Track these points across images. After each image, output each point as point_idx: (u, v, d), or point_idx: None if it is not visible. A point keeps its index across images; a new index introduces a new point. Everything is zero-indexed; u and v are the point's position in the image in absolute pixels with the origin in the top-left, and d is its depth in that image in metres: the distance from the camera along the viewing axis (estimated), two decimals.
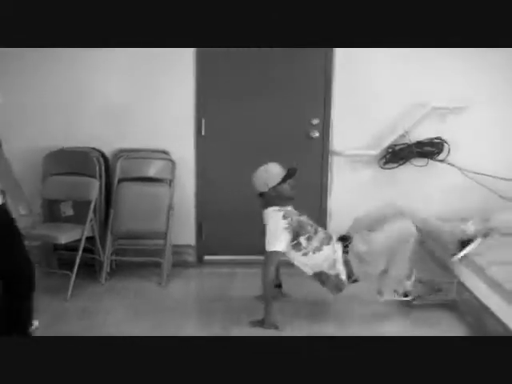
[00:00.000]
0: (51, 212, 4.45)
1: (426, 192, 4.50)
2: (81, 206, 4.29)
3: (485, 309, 3.27)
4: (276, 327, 3.41)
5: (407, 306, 3.72)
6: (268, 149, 4.57)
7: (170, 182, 4.44)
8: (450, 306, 3.71)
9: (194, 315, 3.81)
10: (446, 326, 3.50)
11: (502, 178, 4.39)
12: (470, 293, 3.52)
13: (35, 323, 3.41)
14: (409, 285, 3.63)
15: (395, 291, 3.64)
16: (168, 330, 3.44)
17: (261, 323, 3.45)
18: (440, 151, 4.41)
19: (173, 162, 4.44)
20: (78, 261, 4.04)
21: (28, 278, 2.87)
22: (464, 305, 3.61)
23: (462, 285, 3.67)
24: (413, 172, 4.48)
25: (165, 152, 4.50)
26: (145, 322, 3.57)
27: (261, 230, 3.66)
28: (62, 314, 3.66)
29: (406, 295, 3.67)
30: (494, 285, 3.20)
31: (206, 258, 4.75)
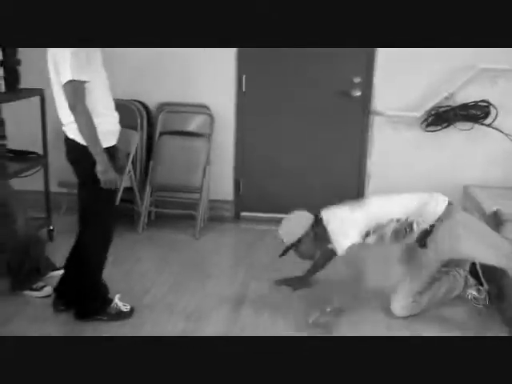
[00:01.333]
0: None
1: (470, 157, 4.34)
2: (123, 158, 4.40)
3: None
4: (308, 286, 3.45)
5: None
6: (308, 106, 4.53)
7: (209, 137, 4.49)
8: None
9: (220, 268, 3.89)
10: None
11: None
12: None
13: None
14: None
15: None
16: (190, 282, 3.56)
17: (292, 282, 3.47)
18: (486, 115, 4.21)
19: (212, 117, 4.48)
20: None
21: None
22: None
23: None
24: (456, 136, 4.32)
25: (205, 106, 4.54)
26: (171, 270, 3.71)
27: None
28: None
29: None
30: None
31: (243, 214, 4.81)
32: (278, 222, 4.59)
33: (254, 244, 4.24)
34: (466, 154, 4.36)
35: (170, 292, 3.42)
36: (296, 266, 3.48)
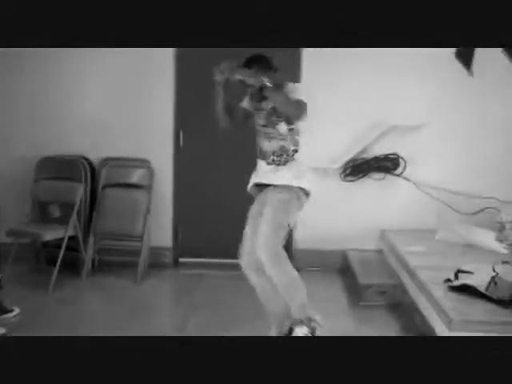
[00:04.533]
0: (41, 213, 4.88)
1: (383, 204, 4.86)
2: (68, 208, 4.70)
3: (415, 309, 3.63)
4: None
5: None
6: (241, 160, 4.96)
7: (149, 188, 4.86)
8: (393, 307, 4.07)
9: (161, 308, 4.21)
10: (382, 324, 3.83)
11: (454, 193, 4.75)
12: (408, 295, 3.87)
13: (16, 310, 3.83)
14: None
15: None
16: (133, 321, 3.84)
17: None
18: (396, 166, 4.77)
19: (152, 170, 4.87)
20: (60, 257, 4.44)
21: None
22: (404, 306, 3.97)
23: (404, 288, 4.03)
24: (371, 185, 4.84)
25: (145, 161, 4.94)
26: (114, 311, 3.98)
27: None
28: (42, 304, 4.06)
29: None
30: (422, 287, 3.54)
31: (182, 260, 5.16)
32: (215, 266, 5.02)
33: (192, 287, 4.57)
34: (380, 201, 4.87)
35: (114, 329, 3.68)
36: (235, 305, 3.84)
